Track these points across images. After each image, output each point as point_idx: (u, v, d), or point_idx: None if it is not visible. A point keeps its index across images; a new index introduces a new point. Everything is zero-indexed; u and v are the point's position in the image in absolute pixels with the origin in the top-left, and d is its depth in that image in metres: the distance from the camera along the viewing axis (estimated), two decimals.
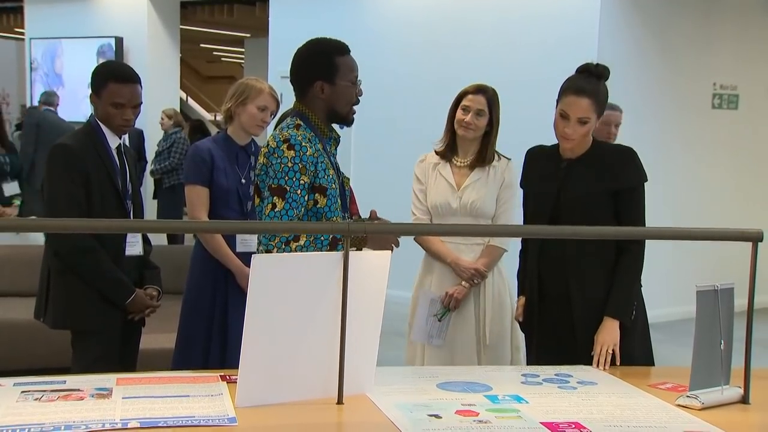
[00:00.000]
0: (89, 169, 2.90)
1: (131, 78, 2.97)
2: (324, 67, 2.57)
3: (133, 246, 3.07)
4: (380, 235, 2.50)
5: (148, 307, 3.06)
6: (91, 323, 2.96)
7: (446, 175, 3.46)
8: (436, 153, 3.51)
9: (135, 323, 3.08)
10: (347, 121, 2.64)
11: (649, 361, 2.82)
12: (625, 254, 2.73)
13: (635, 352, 2.71)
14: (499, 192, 3.41)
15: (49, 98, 8.44)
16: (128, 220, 2.89)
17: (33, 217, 5.92)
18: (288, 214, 2.46)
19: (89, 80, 3.02)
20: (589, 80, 2.74)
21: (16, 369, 3.96)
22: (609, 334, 2.64)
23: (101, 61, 10.50)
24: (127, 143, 3.15)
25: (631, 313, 2.74)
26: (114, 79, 2.95)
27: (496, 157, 3.45)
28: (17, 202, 6.21)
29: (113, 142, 3.01)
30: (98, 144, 2.96)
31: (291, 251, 2.41)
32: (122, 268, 3.00)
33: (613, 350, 2.61)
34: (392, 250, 2.51)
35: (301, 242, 2.43)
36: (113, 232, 2.84)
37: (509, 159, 3.43)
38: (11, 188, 6.22)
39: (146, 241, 3.20)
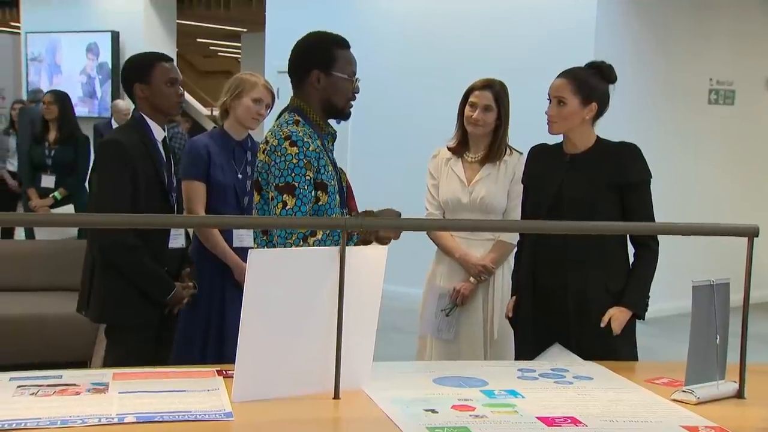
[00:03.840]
0: (138, 164, 2.91)
1: (171, 58, 3.07)
2: (321, 57, 2.57)
3: (176, 239, 3.07)
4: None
5: (184, 298, 3.07)
6: (132, 318, 2.97)
7: (457, 171, 3.46)
8: (449, 149, 3.52)
9: (169, 318, 3.08)
10: (343, 114, 2.64)
11: (633, 359, 2.86)
12: (644, 249, 2.80)
13: (620, 350, 2.73)
14: (510, 186, 3.41)
15: (38, 96, 8.41)
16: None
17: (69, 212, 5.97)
18: (301, 210, 2.45)
19: (124, 76, 3.03)
20: (581, 69, 2.81)
21: (13, 363, 3.96)
22: (622, 313, 2.73)
23: (91, 57, 10.53)
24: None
25: (645, 306, 2.79)
26: (160, 59, 3.01)
27: (507, 151, 3.45)
28: (56, 195, 6.25)
29: (158, 135, 3.02)
30: (146, 138, 2.97)
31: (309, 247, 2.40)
32: (165, 262, 3.01)
33: (610, 323, 2.70)
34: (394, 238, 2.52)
35: (319, 236, 2.42)
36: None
37: (521, 153, 3.42)
38: (49, 180, 6.29)
39: (186, 234, 3.20)
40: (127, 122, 3.08)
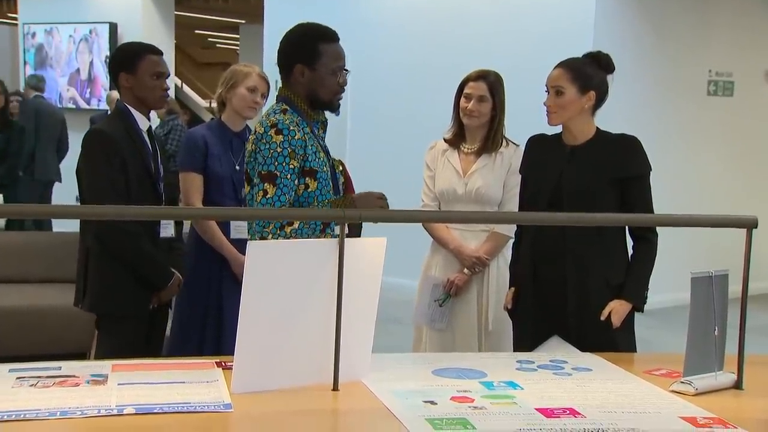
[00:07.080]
0: (125, 154, 2.91)
1: (161, 51, 3.05)
2: (306, 52, 2.57)
3: (166, 229, 3.07)
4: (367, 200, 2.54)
5: (175, 290, 3.07)
6: (126, 307, 2.97)
7: (453, 162, 3.46)
8: (445, 141, 3.52)
9: (160, 310, 3.09)
10: (331, 108, 2.64)
11: (631, 350, 2.86)
12: (643, 242, 2.80)
13: (619, 341, 2.74)
14: (506, 178, 3.41)
15: (39, 83, 8.35)
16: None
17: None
18: (280, 199, 2.46)
19: (111, 65, 3.02)
20: (578, 59, 2.81)
21: (12, 355, 3.97)
22: (622, 306, 2.73)
23: (89, 49, 10.53)
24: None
25: (645, 298, 2.79)
26: (149, 51, 2.99)
27: (504, 143, 3.45)
28: None
29: (143, 124, 3.01)
30: (130, 128, 2.97)
31: (286, 235, 2.41)
32: (158, 250, 3.01)
33: (610, 317, 2.70)
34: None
35: (296, 225, 2.44)
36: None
37: (517, 145, 3.42)
38: None
39: (177, 222, 3.21)
40: (112, 112, 3.07)
